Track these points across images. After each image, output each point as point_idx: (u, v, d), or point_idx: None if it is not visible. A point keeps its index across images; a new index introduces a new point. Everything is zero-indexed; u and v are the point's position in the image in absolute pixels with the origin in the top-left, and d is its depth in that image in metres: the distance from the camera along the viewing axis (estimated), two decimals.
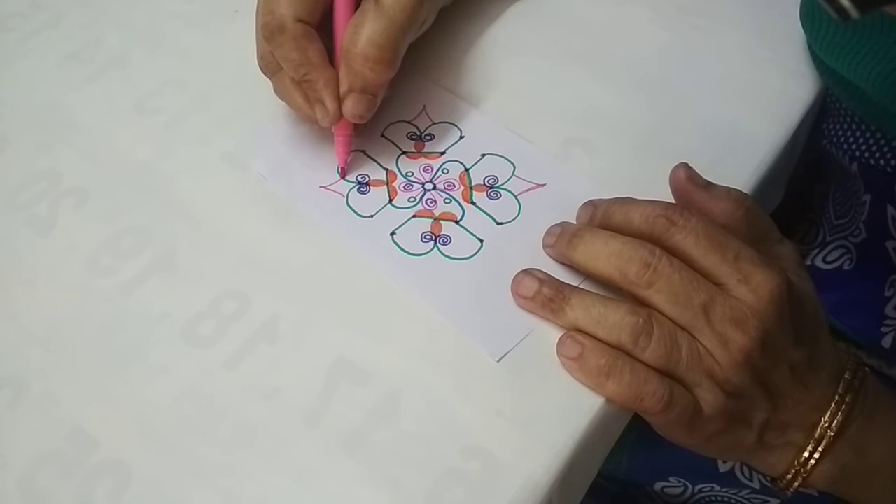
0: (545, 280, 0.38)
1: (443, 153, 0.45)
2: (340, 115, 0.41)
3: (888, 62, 0.41)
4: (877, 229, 0.48)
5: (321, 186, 0.43)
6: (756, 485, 0.52)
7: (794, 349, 0.37)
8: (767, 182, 0.44)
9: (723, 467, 0.53)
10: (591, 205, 0.40)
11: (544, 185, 0.43)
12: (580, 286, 0.39)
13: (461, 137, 0.45)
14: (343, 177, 0.43)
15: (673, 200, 0.39)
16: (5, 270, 0.42)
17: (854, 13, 0.27)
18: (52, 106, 0.48)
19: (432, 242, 0.41)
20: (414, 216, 0.42)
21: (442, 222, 0.42)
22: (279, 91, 0.43)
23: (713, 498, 0.54)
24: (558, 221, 0.40)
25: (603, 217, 0.39)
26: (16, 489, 0.36)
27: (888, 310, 0.48)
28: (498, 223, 0.42)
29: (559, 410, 0.36)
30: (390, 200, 0.43)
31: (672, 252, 0.36)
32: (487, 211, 0.42)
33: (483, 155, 0.44)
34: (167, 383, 0.38)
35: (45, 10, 0.53)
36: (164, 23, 0.52)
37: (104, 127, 0.47)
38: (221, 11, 0.51)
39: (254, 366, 0.38)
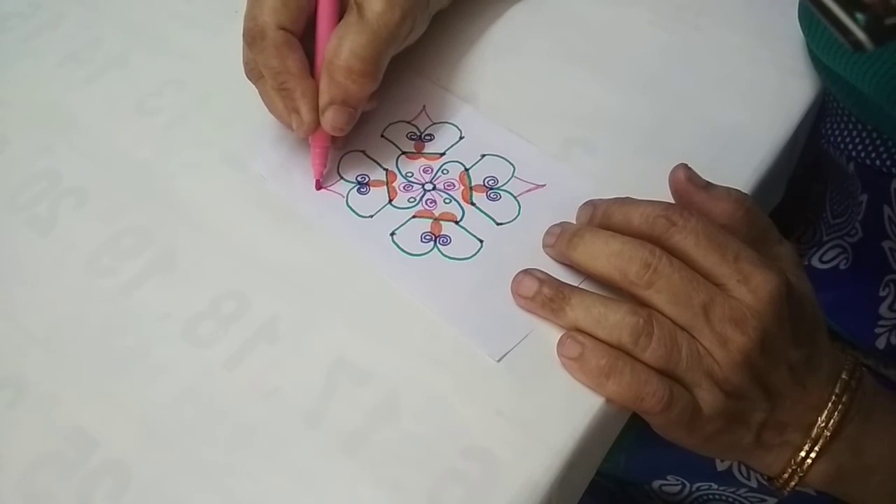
0: (545, 280, 0.38)
1: (443, 154, 0.45)
2: (316, 127, 0.41)
3: (886, 62, 0.41)
4: (873, 229, 0.48)
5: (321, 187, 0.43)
6: (754, 484, 0.52)
7: (792, 349, 0.37)
8: (767, 182, 0.44)
9: (720, 466, 0.53)
10: (591, 205, 0.40)
11: (544, 185, 0.43)
12: (580, 286, 0.39)
13: (461, 138, 0.45)
14: (318, 188, 0.43)
15: (673, 201, 0.40)
16: (5, 270, 0.42)
17: (870, 46, 0.26)
18: (52, 106, 0.48)
19: (432, 243, 0.41)
20: (414, 216, 0.42)
21: (442, 223, 0.42)
22: (262, 97, 0.43)
23: (711, 496, 0.55)
24: (558, 222, 0.41)
25: (603, 217, 0.39)
26: (16, 489, 0.36)
27: (883, 310, 0.48)
28: (498, 223, 0.42)
29: (559, 410, 0.36)
30: (390, 201, 0.43)
31: (672, 252, 0.36)
32: (487, 212, 0.42)
33: (483, 155, 0.44)
34: (167, 383, 0.38)
35: (45, 10, 0.53)
36: (164, 23, 0.52)
37: (104, 127, 0.47)
38: (221, 11, 0.51)
39: (254, 366, 0.38)
